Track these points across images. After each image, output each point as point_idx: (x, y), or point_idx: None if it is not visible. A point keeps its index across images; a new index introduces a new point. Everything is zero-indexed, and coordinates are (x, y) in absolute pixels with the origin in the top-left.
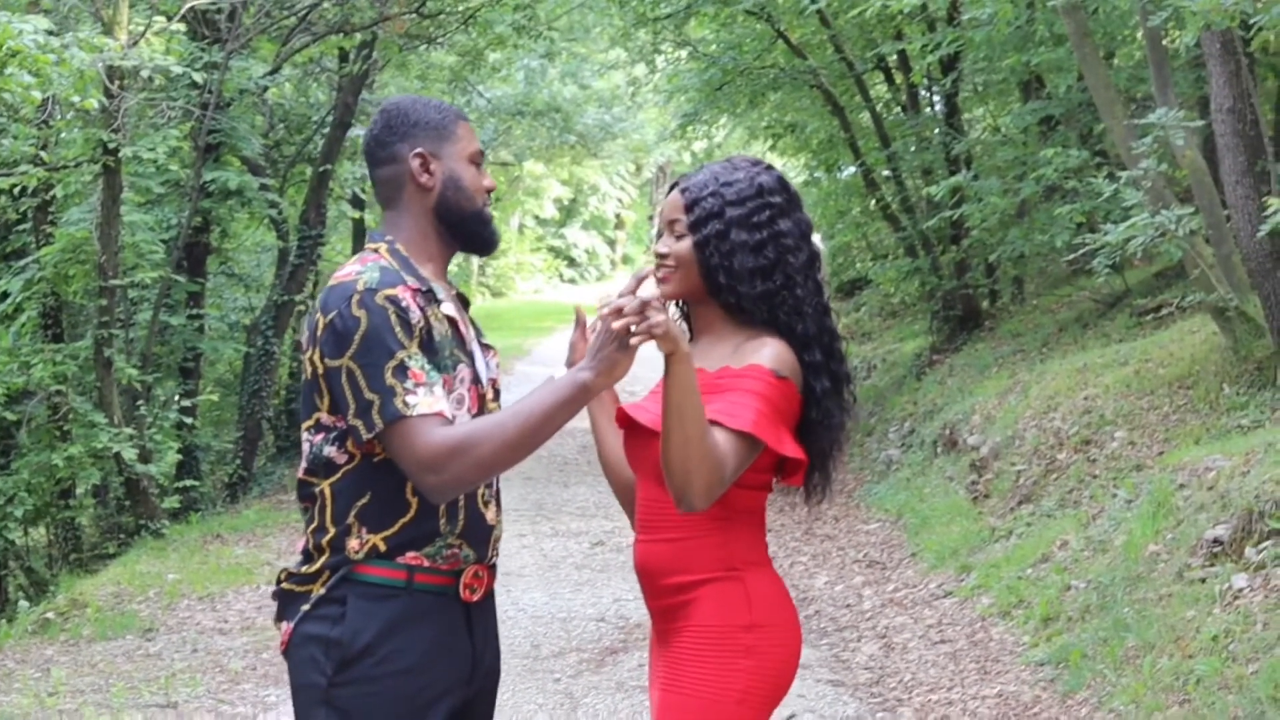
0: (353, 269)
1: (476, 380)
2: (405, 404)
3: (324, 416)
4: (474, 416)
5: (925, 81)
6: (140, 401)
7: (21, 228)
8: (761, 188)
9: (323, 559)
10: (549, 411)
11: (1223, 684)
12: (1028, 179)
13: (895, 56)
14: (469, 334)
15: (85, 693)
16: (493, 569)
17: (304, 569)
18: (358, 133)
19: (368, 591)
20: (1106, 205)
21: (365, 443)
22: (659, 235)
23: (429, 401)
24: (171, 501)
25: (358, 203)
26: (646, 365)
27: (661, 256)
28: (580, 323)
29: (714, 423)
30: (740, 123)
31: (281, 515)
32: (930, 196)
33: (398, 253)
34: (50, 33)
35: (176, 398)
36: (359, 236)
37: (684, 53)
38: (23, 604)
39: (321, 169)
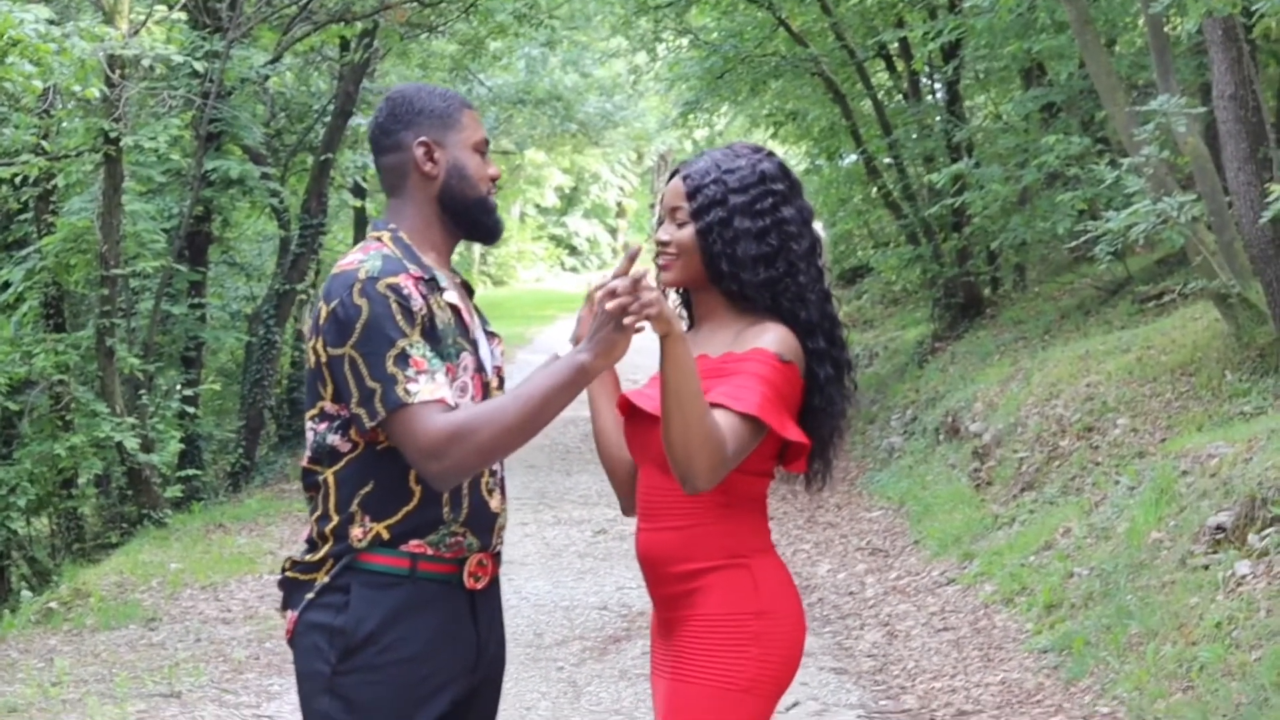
0: (355, 257)
1: (480, 368)
2: (406, 391)
3: (327, 405)
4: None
5: (927, 69)
6: (142, 391)
7: (23, 217)
8: (763, 174)
9: (327, 547)
10: (548, 394)
11: (1226, 671)
12: (1029, 166)
13: (897, 44)
14: (473, 322)
15: (89, 682)
16: (497, 557)
17: (308, 557)
18: (359, 121)
19: (371, 580)
20: (1108, 192)
21: (368, 431)
22: (660, 223)
23: (430, 389)
24: (174, 491)
25: (359, 191)
26: (648, 355)
27: (663, 244)
28: (591, 299)
29: (719, 405)
30: (741, 111)
31: (284, 504)
32: (932, 184)
33: (401, 241)
34: (51, 22)
35: (178, 387)
36: (360, 225)
37: (685, 41)
38: (26, 594)
39: (323, 158)
